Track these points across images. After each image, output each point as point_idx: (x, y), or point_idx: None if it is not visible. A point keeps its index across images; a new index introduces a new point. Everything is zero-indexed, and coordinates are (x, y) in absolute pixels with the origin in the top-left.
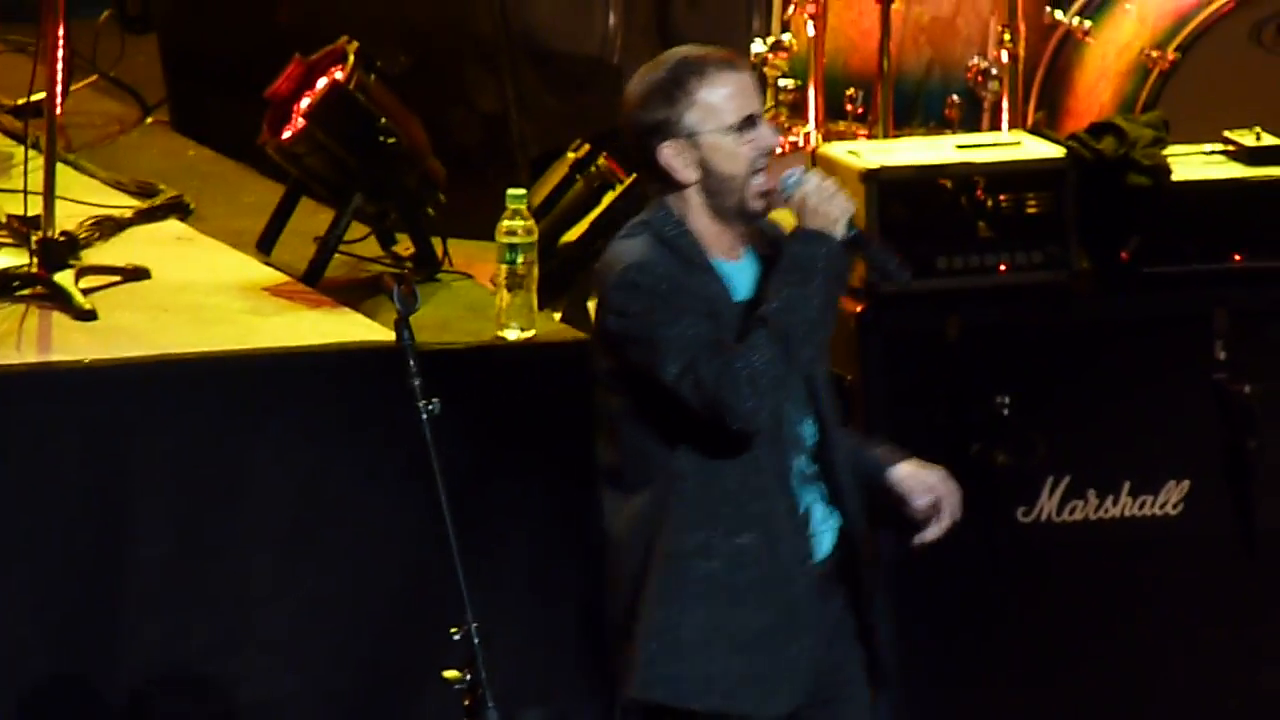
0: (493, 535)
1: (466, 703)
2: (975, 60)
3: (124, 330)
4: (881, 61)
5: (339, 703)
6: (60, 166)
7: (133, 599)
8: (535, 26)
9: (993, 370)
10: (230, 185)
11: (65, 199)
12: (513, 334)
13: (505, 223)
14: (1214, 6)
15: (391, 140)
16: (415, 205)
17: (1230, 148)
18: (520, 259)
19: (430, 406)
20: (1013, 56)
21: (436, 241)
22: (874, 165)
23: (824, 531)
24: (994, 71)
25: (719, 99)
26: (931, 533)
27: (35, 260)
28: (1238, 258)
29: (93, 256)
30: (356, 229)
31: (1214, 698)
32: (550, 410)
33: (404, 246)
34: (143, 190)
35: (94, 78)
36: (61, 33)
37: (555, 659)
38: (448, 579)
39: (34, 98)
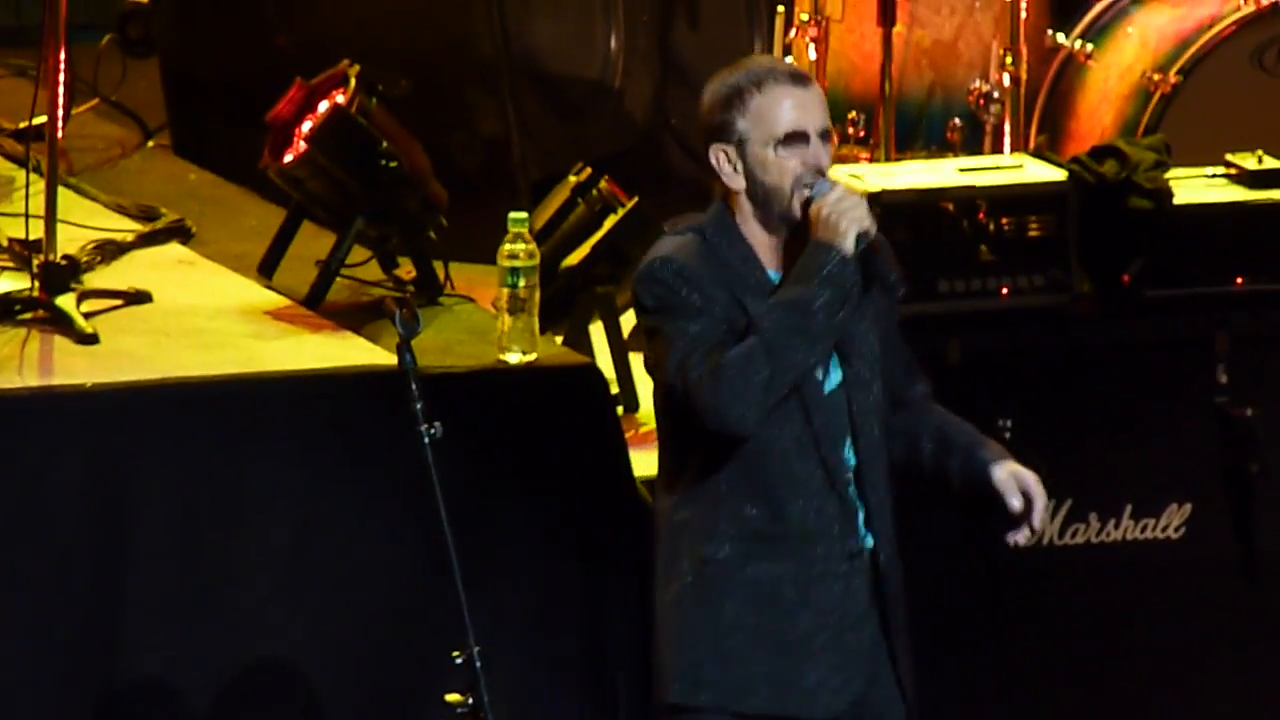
0: (494, 559)
1: None
2: (977, 83)
3: (125, 354)
4: (883, 85)
5: None
6: (62, 190)
7: (133, 622)
8: (537, 50)
9: (994, 393)
10: (232, 209)
11: (67, 223)
12: (514, 358)
13: (507, 246)
14: (1215, 30)
15: (393, 164)
16: (417, 229)
17: (1232, 171)
18: (522, 283)
19: (432, 430)
20: (1014, 80)
21: (438, 265)
22: (876, 189)
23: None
24: (996, 95)
25: (770, 110)
26: (1022, 534)
27: (37, 284)
28: (1240, 281)
29: (94, 280)
30: (358, 253)
31: None
32: (552, 434)
33: (406, 270)
34: (144, 214)
35: (95, 101)
36: (63, 57)
37: (556, 683)
38: (449, 602)
39: (35, 121)
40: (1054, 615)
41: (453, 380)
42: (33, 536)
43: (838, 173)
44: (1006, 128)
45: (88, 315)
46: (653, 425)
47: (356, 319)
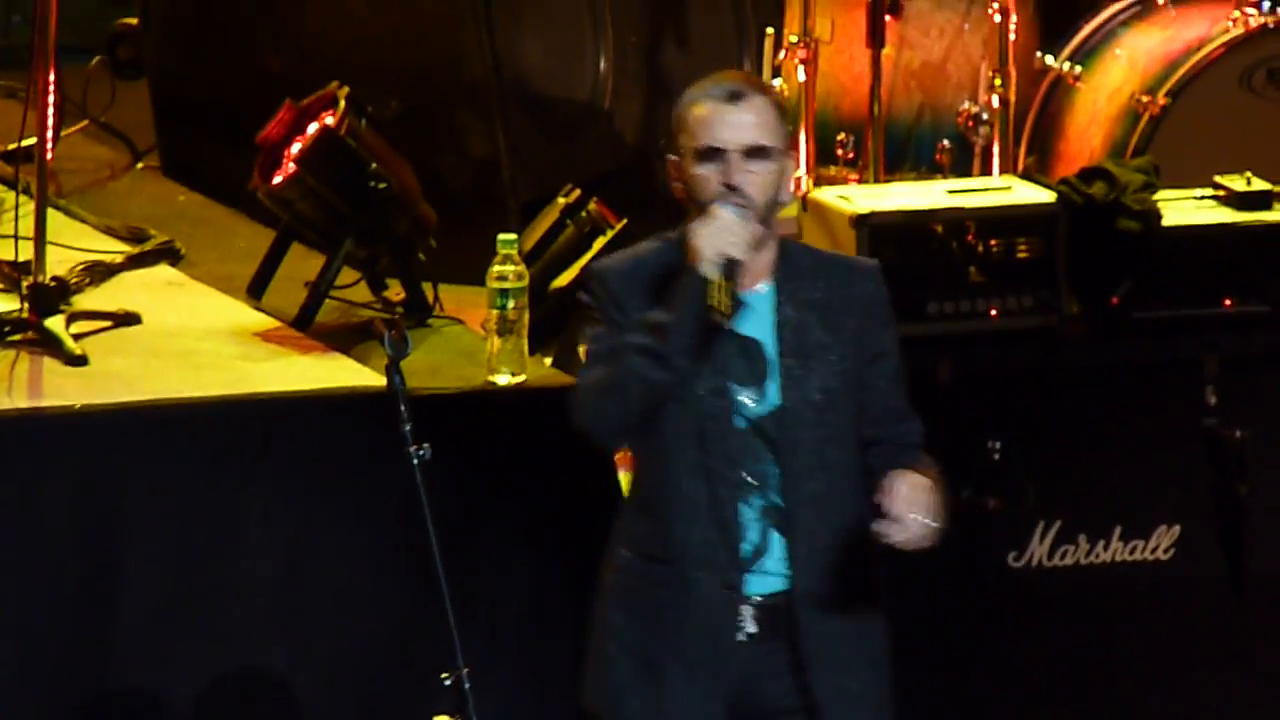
0: (483, 580)
1: None
2: (966, 105)
3: (115, 376)
4: (872, 106)
5: None
6: (51, 212)
7: (123, 644)
8: (526, 72)
9: (984, 415)
10: (221, 230)
11: (56, 244)
12: (503, 379)
13: (496, 268)
14: (1204, 52)
15: (382, 185)
16: (406, 250)
17: (1220, 193)
18: (511, 304)
19: (421, 452)
20: (1003, 101)
21: (427, 286)
22: (865, 210)
23: (769, 574)
24: (985, 116)
25: (695, 125)
26: (883, 527)
27: (26, 305)
28: (1228, 303)
29: (84, 302)
30: (347, 274)
31: None
32: (541, 455)
33: (395, 291)
34: (133, 235)
35: (85, 123)
36: (52, 78)
37: (546, 704)
38: (439, 624)
39: (25, 143)
40: (1044, 636)
41: (442, 401)
42: (22, 557)
43: (827, 195)
44: (995, 149)
45: (77, 337)
46: None
47: (346, 340)
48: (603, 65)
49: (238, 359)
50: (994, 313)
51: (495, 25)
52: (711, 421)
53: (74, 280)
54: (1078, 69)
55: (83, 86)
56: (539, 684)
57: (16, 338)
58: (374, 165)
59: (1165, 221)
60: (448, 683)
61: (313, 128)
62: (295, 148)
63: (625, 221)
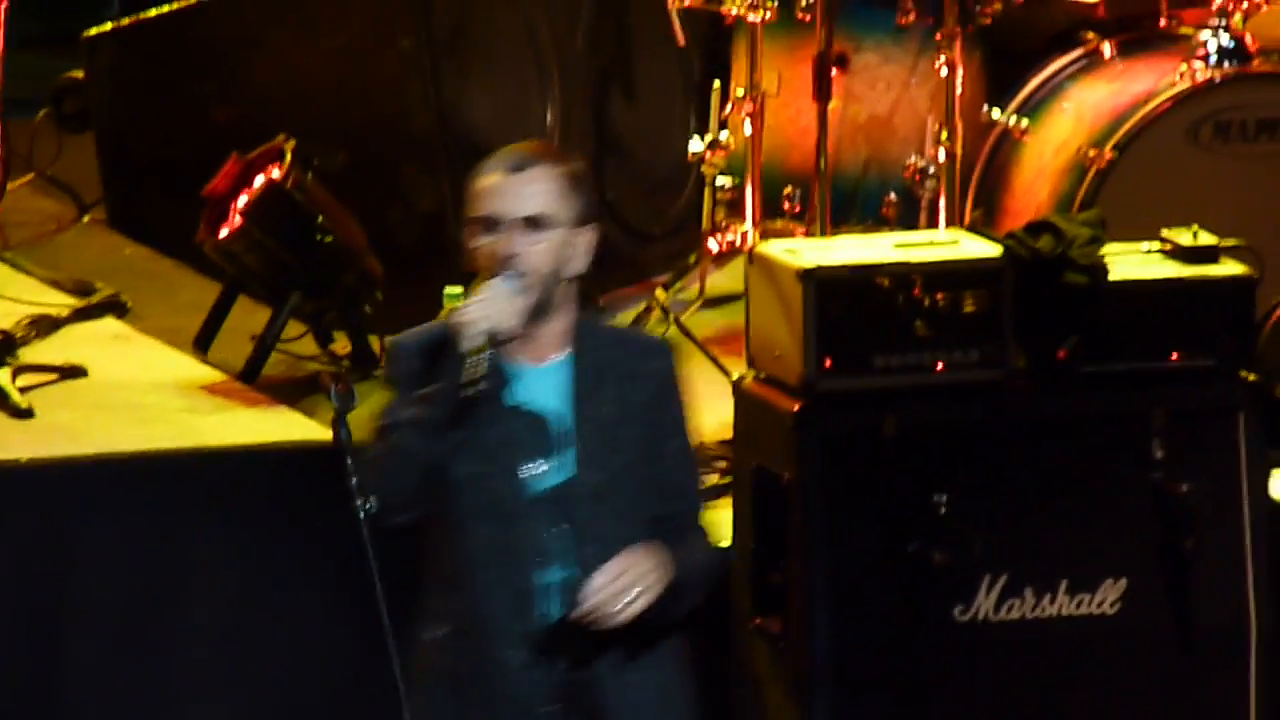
0: None
1: None
2: (912, 159)
3: (61, 429)
4: (819, 160)
5: None
6: None
7: (70, 698)
8: (473, 124)
9: (930, 469)
10: (167, 283)
11: (2, 297)
12: None
13: None
14: (1151, 105)
15: (329, 239)
16: (353, 303)
17: (1167, 246)
18: None
19: (367, 505)
20: (950, 155)
21: (374, 339)
22: (811, 264)
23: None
24: (931, 170)
25: (478, 193)
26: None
27: None
28: (1175, 356)
29: (29, 355)
30: (294, 327)
31: None
32: None
33: (341, 344)
34: (80, 288)
35: (31, 176)
36: None
37: None
38: (384, 678)
39: None
40: (990, 689)
41: None
42: None
43: (774, 248)
44: (942, 203)
45: (23, 390)
46: None
47: (292, 394)
48: (549, 118)
49: (184, 412)
50: (940, 366)
51: (442, 79)
52: (505, 495)
53: (20, 333)
54: (1024, 122)
55: (29, 140)
56: None
57: None
58: (320, 218)
59: (1112, 275)
60: None
61: (259, 181)
62: (242, 201)
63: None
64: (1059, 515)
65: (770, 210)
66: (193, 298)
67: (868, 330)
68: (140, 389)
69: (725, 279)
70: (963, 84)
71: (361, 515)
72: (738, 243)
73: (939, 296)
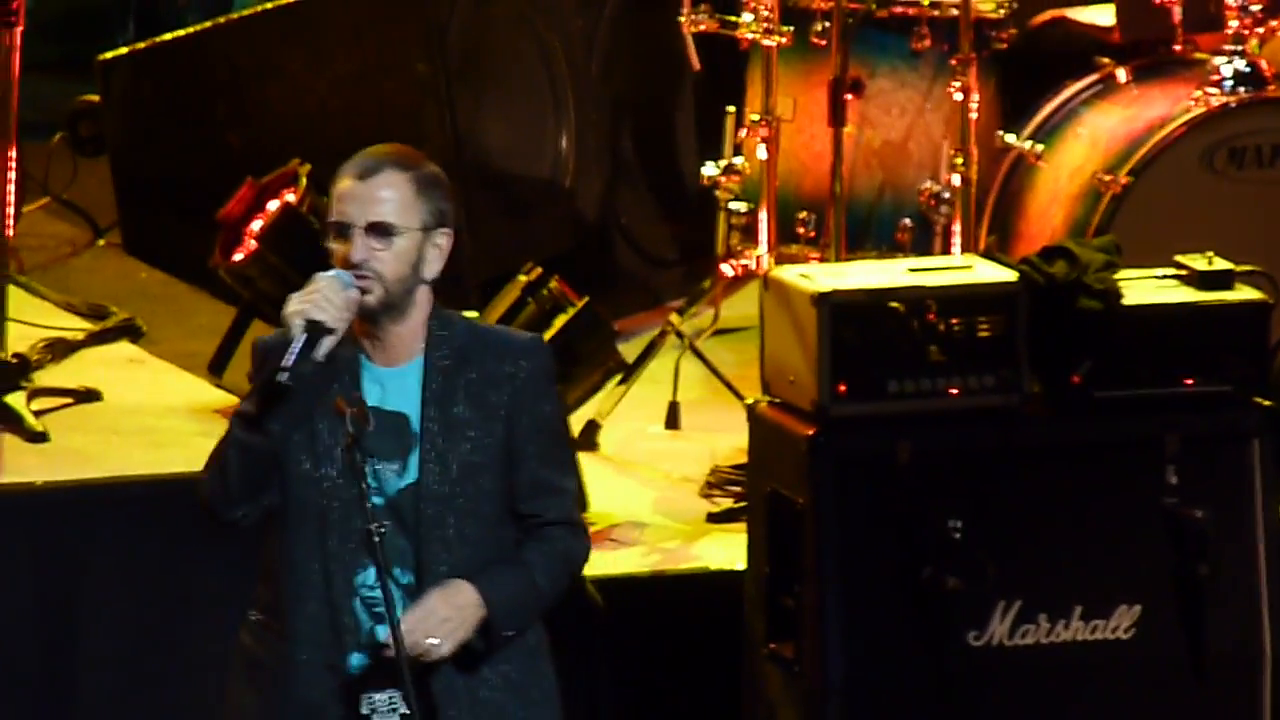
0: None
1: None
2: (927, 184)
3: (75, 452)
4: (834, 185)
5: None
6: (12, 289)
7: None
8: (487, 150)
9: (944, 494)
10: (182, 307)
11: (17, 321)
12: None
13: None
14: (1165, 131)
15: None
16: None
17: (1182, 272)
18: None
19: (383, 529)
20: (965, 180)
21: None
22: (826, 289)
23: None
24: (946, 195)
25: (332, 198)
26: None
27: None
28: (1189, 382)
29: (44, 378)
30: None
31: None
32: None
33: None
34: (94, 312)
35: (46, 200)
36: (13, 155)
37: None
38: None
39: None
40: (1003, 715)
41: None
42: None
43: (788, 273)
44: (956, 228)
45: (37, 413)
46: (604, 524)
47: None
48: (564, 143)
49: (198, 436)
50: (955, 392)
51: (457, 104)
52: (333, 500)
53: (35, 357)
54: (1039, 148)
55: (44, 163)
56: None
57: None
58: None
59: (1126, 301)
60: None
61: (274, 205)
62: (256, 225)
63: (587, 299)
64: (1073, 540)
65: (785, 235)
66: (207, 321)
67: (882, 355)
68: (154, 413)
69: (740, 304)
70: (977, 109)
71: (376, 539)
72: (752, 268)
73: (954, 321)
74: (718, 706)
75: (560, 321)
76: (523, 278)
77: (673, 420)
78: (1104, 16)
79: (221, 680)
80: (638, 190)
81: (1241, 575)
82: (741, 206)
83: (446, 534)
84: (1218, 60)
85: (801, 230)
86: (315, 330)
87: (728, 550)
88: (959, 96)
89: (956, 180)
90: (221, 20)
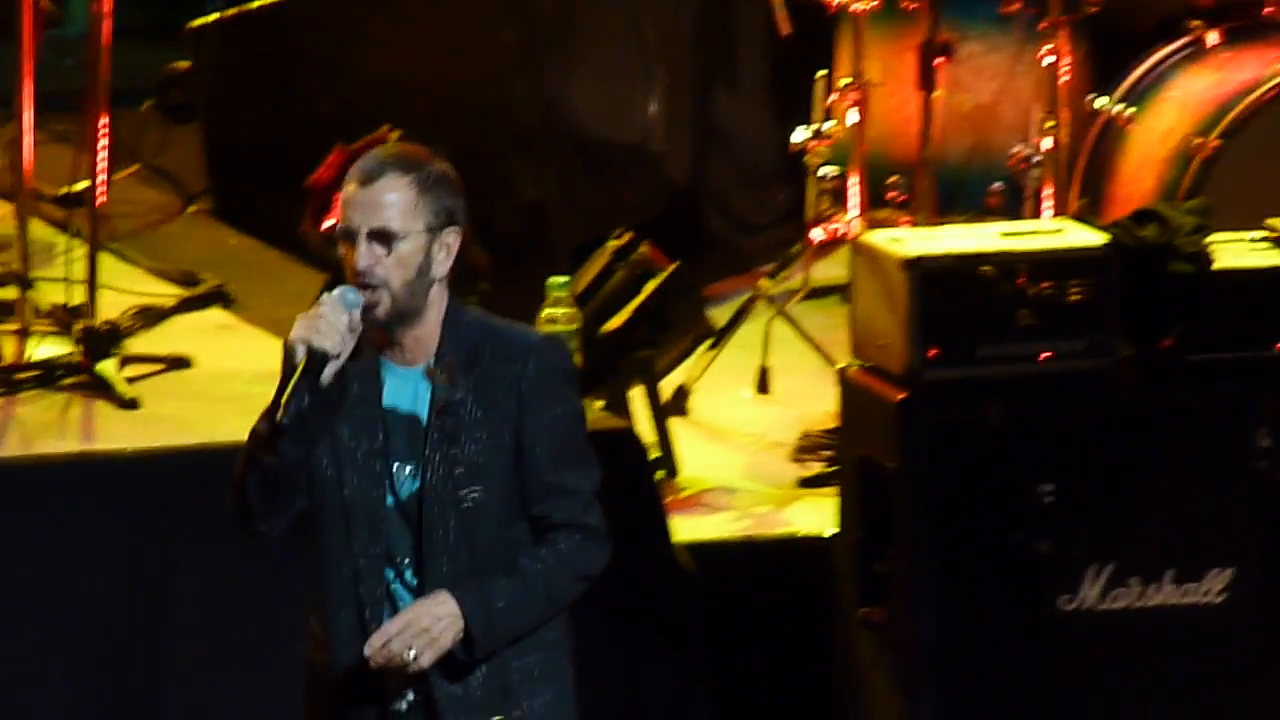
0: None
1: None
2: (1017, 148)
3: (167, 419)
4: (923, 149)
5: None
6: (103, 255)
7: (175, 690)
8: (577, 115)
9: (1035, 458)
10: (272, 274)
11: (108, 288)
12: None
13: (547, 311)
14: (1256, 94)
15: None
16: (457, 293)
17: (1273, 235)
18: None
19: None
20: (1055, 144)
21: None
22: (916, 253)
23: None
24: (1036, 159)
25: (340, 203)
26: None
27: (78, 349)
28: None
29: (135, 345)
30: None
31: None
32: None
33: None
34: (185, 279)
35: (136, 167)
36: (104, 122)
37: None
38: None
39: (77, 187)
40: (1094, 680)
41: None
42: (74, 601)
43: (878, 238)
44: (1047, 192)
45: (129, 380)
46: (694, 489)
47: None
48: (653, 108)
49: None
50: (1045, 356)
51: (546, 70)
52: (357, 502)
53: (126, 324)
54: (1130, 111)
55: (135, 130)
56: None
57: (69, 381)
58: None
59: (1217, 264)
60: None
61: None
62: None
63: (677, 264)
64: (1164, 504)
65: (874, 200)
66: (297, 288)
67: (972, 319)
68: (245, 379)
69: (830, 269)
70: (1067, 72)
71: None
72: (842, 232)
73: (1044, 285)
74: (808, 672)
75: (650, 287)
76: (612, 243)
77: (763, 385)
78: None
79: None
80: (727, 155)
81: None
82: (831, 171)
83: (448, 536)
84: None
85: (892, 195)
86: (318, 358)
87: (818, 515)
88: (1049, 60)
89: (1047, 144)
90: None
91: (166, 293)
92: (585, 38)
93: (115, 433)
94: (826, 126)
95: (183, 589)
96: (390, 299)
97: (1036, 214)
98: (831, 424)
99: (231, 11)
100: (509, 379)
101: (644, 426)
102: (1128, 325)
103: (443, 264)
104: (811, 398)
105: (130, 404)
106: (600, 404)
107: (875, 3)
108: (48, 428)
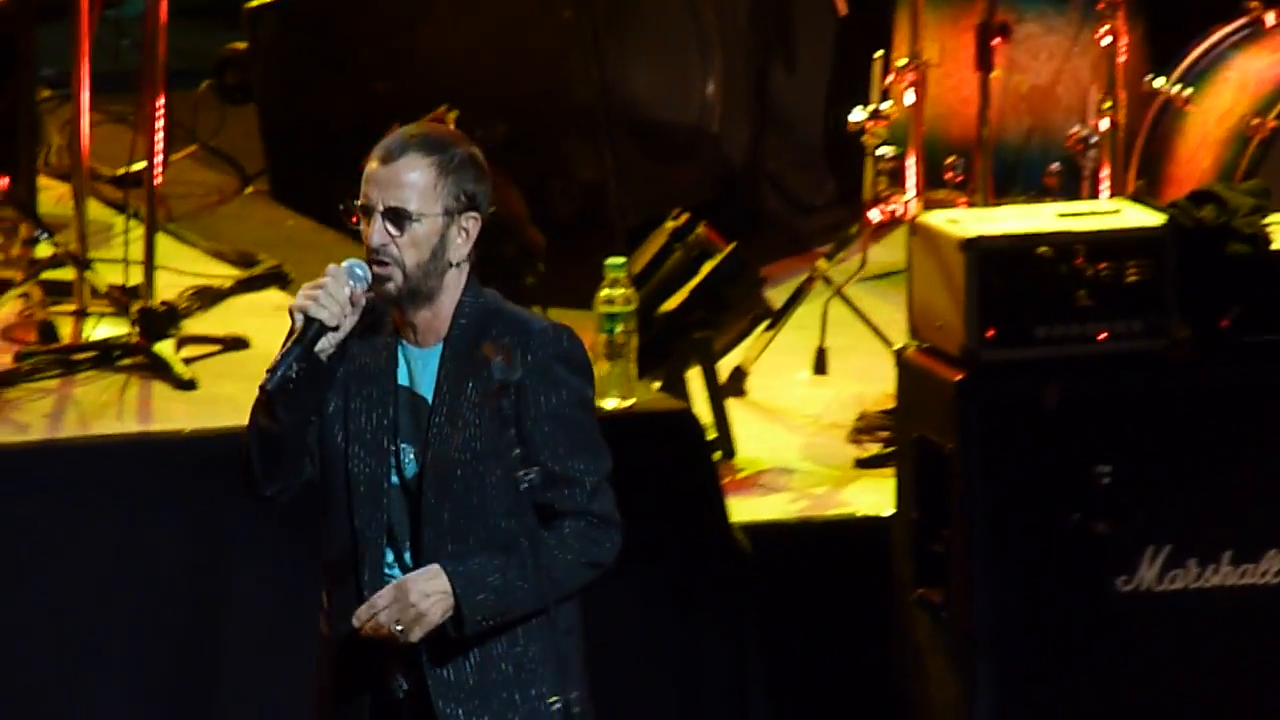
0: (590, 604)
1: None
2: (1075, 128)
3: (224, 400)
4: (981, 129)
5: None
6: (160, 236)
7: (231, 670)
8: (634, 96)
9: (1092, 439)
10: (329, 254)
11: (165, 269)
12: (611, 403)
13: (604, 292)
14: None
15: (490, 210)
16: (514, 275)
17: None
18: (619, 328)
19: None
20: (1113, 124)
21: (536, 310)
22: (973, 234)
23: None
24: (1094, 139)
25: (364, 176)
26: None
27: (136, 330)
28: None
29: (193, 326)
30: None
31: None
32: (649, 480)
33: None
34: (242, 260)
35: (194, 148)
36: (161, 103)
37: None
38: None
39: (134, 168)
40: (1152, 660)
41: None
42: (132, 581)
43: (936, 218)
44: (1105, 172)
45: (186, 361)
46: (751, 470)
47: None
48: (710, 89)
49: None
50: (1103, 336)
51: (604, 51)
52: (361, 478)
53: (183, 305)
54: (1188, 92)
55: (192, 111)
56: (647, 708)
57: (126, 362)
58: None
59: (1275, 245)
60: (555, 707)
61: None
62: None
63: (734, 245)
64: (1222, 485)
65: (932, 180)
66: None
67: (1030, 300)
68: None
69: (887, 250)
70: (1125, 53)
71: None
72: (900, 213)
73: (1102, 266)
74: (865, 652)
75: (707, 267)
76: (670, 224)
77: (820, 366)
78: None
79: None
80: (785, 136)
81: None
82: (889, 151)
83: (442, 520)
84: None
85: (949, 175)
86: (315, 327)
87: (876, 496)
88: (1107, 40)
89: (1104, 124)
90: None
91: (224, 273)
92: (643, 18)
93: (172, 413)
94: (884, 107)
95: (240, 569)
96: (402, 278)
97: (1094, 194)
98: (889, 405)
99: None
100: (515, 367)
101: (701, 407)
102: (1185, 306)
103: (460, 248)
104: (869, 378)
105: (188, 385)
106: (657, 385)
107: None
108: (105, 408)
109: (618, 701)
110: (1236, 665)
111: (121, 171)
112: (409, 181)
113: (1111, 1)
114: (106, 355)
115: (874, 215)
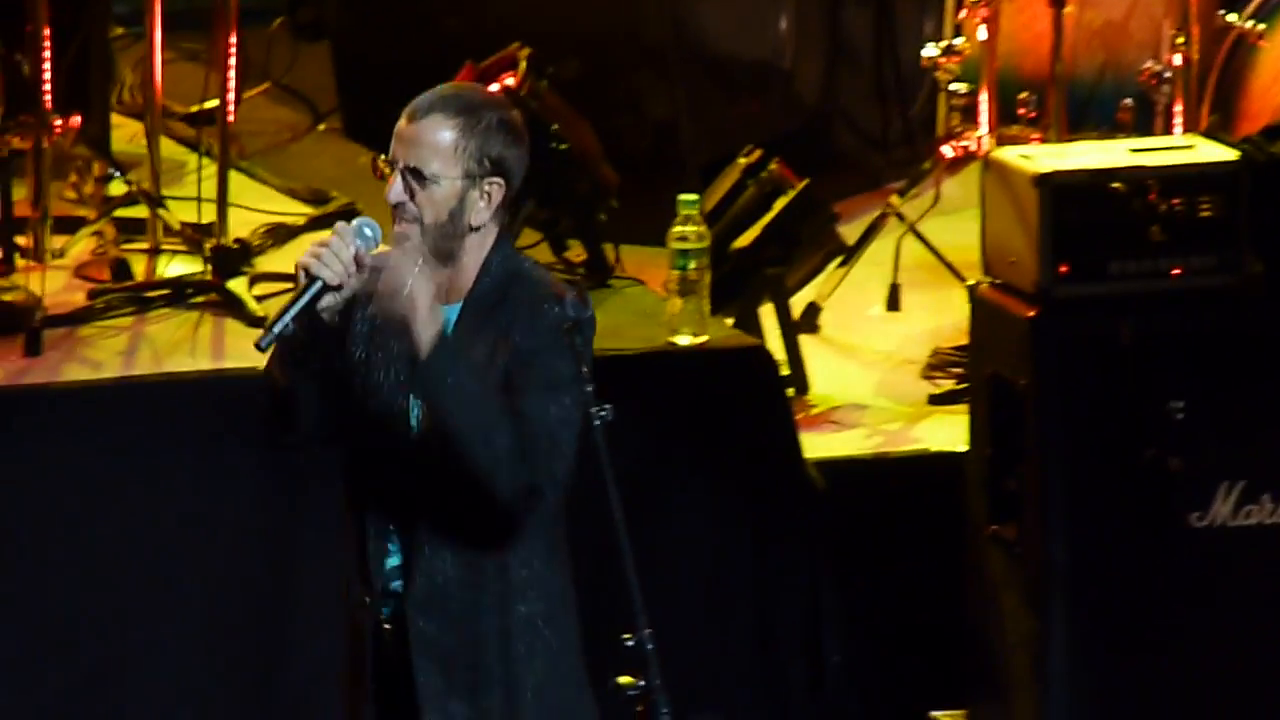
0: (666, 541)
1: (640, 709)
2: (1148, 64)
3: None
4: (1054, 65)
5: None
6: (233, 174)
7: (306, 608)
8: (706, 32)
9: (1166, 375)
10: None
11: (238, 206)
12: (684, 340)
13: (677, 228)
14: None
15: (563, 147)
16: (587, 211)
17: None
18: (692, 265)
19: (603, 413)
20: (1186, 60)
21: (608, 247)
22: (1047, 169)
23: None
24: (1167, 75)
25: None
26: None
27: (209, 267)
28: None
29: (266, 263)
30: (528, 235)
31: None
32: (722, 415)
33: (576, 253)
34: (315, 197)
35: (266, 85)
36: (234, 40)
37: (727, 665)
38: (620, 585)
39: (207, 105)
40: (1225, 596)
41: (623, 362)
42: (204, 517)
43: (1009, 154)
44: (1178, 108)
45: (259, 298)
46: (825, 406)
47: None
48: (783, 25)
49: None
50: (1176, 272)
51: None
52: (374, 434)
53: (256, 242)
54: (1260, 27)
55: (264, 49)
56: (721, 644)
57: (200, 299)
58: (555, 126)
59: None
60: (630, 643)
61: (494, 89)
62: None
63: (807, 181)
64: None
65: (1005, 116)
66: None
67: (1103, 236)
68: None
69: (960, 185)
70: None
71: (596, 422)
72: (973, 149)
73: (1175, 202)
74: (939, 588)
75: (780, 204)
76: (743, 160)
77: (893, 302)
78: None
79: None
80: (857, 72)
81: None
82: (962, 88)
83: (433, 482)
84: None
85: (1022, 111)
86: (317, 286)
87: (949, 432)
88: None
89: (1178, 60)
90: None
91: (296, 211)
92: None
93: (245, 351)
94: (957, 42)
95: (312, 505)
96: (419, 236)
97: (1167, 130)
98: (962, 341)
99: None
100: (516, 330)
101: (774, 344)
102: (1258, 241)
103: (481, 213)
104: (942, 314)
105: (260, 322)
106: (730, 321)
107: None
108: (179, 346)
109: (692, 636)
110: None
111: (194, 109)
112: (429, 142)
113: None
114: (180, 293)
115: (947, 151)
